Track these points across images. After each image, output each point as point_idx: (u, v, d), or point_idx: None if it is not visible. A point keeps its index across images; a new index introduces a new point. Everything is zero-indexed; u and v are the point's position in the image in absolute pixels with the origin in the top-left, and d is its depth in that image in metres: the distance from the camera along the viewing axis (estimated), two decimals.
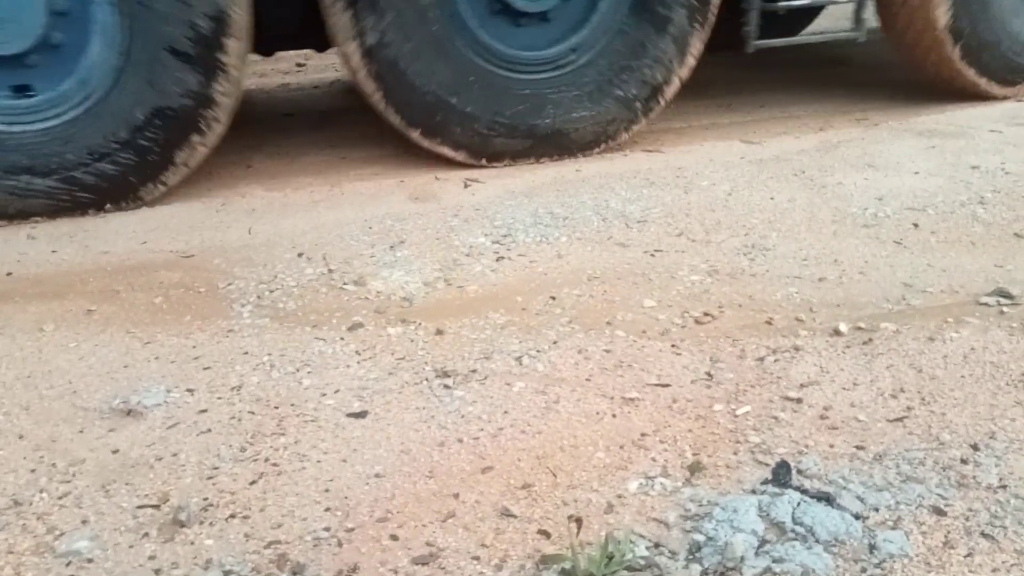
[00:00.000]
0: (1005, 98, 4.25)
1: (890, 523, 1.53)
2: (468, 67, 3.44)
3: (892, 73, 5.30)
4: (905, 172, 3.40)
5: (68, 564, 1.47)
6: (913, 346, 2.13)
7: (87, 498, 1.63)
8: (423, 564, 1.46)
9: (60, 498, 1.64)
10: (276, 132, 4.33)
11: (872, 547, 1.46)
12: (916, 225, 2.89)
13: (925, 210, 3.00)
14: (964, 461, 1.69)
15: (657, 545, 1.49)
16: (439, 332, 2.26)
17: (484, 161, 3.57)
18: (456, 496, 1.63)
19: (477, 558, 1.47)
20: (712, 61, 4.30)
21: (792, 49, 4.98)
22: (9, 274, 2.71)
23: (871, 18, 4.16)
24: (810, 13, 5.17)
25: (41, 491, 1.66)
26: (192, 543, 1.51)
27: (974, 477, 1.64)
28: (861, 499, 1.58)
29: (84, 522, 1.57)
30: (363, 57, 3.37)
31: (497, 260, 2.71)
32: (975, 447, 1.73)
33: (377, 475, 1.69)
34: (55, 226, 3.10)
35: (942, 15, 4.03)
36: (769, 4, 4.04)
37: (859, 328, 2.23)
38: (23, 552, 1.50)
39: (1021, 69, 4.27)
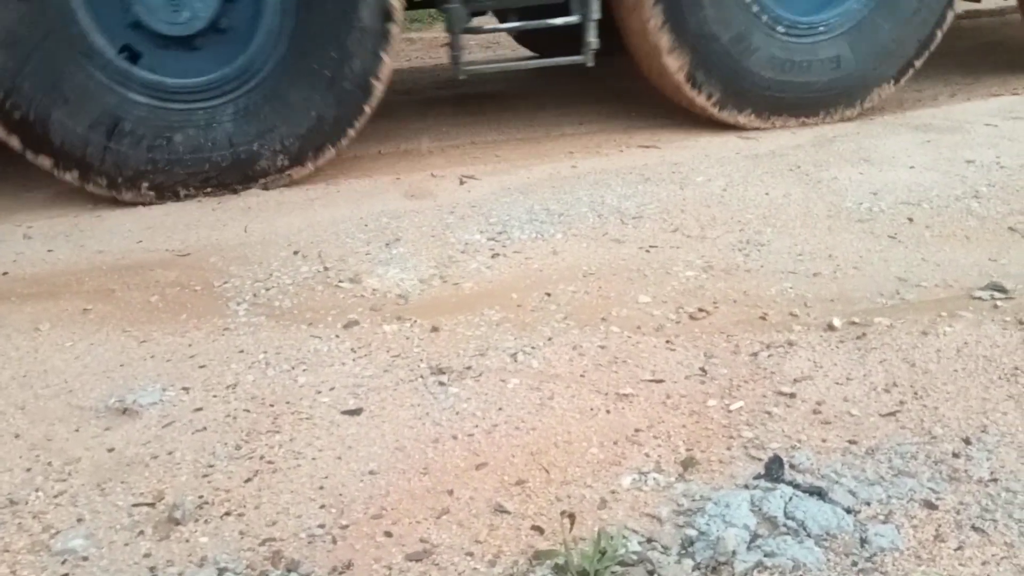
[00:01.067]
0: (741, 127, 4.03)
1: (881, 517, 1.53)
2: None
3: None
4: (900, 166, 3.40)
5: (64, 562, 1.47)
6: (906, 340, 2.14)
7: (82, 497, 1.64)
8: (417, 560, 1.47)
9: (56, 497, 1.64)
10: None
11: (863, 541, 1.47)
12: (911, 219, 2.89)
13: (920, 204, 3.00)
14: (956, 455, 1.70)
15: (650, 540, 1.50)
16: (434, 329, 2.27)
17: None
18: (450, 493, 1.63)
19: (471, 554, 1.48)
20: None
21: None
22: (5, 273, 2.72)
23: (594, 42, 3.78)
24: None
25: (37, 490, 1.66)
26: (187, 541, 1.52)
27: (966, 471, 1.65)
28: (853, 493, 1.58)
29: (80, 520, 1.58)
30: None
31: (492, 257, 2.72)
32: (967, 441, 1.74)
33: (372, 472, 1.70)
34: (51, 225, 3.11)
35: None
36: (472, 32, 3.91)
37: (853, 323, 2.24)
38: (19, 551, 1.50)
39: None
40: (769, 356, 2.10)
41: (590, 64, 3.81)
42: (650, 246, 2.76)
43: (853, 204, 3.04)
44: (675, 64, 3.83)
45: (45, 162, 3.21)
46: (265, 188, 3.40)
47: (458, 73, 3.76)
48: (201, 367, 2.10)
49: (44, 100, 3.13)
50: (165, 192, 3.31)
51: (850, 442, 1.77)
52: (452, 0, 3.58)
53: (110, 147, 3.22)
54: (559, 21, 3.80)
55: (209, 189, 3.36)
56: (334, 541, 1.51)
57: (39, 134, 3.17)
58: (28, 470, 1.73)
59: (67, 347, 2.22)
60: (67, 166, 3.22)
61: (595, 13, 3.71)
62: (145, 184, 3.29)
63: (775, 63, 3.90)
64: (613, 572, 1.39)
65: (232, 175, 3.37)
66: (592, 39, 3.76)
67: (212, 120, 3.31)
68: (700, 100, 3.93)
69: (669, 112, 4.45)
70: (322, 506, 1.60)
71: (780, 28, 3.89)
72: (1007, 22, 6.13)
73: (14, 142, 3.18)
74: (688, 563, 1.44)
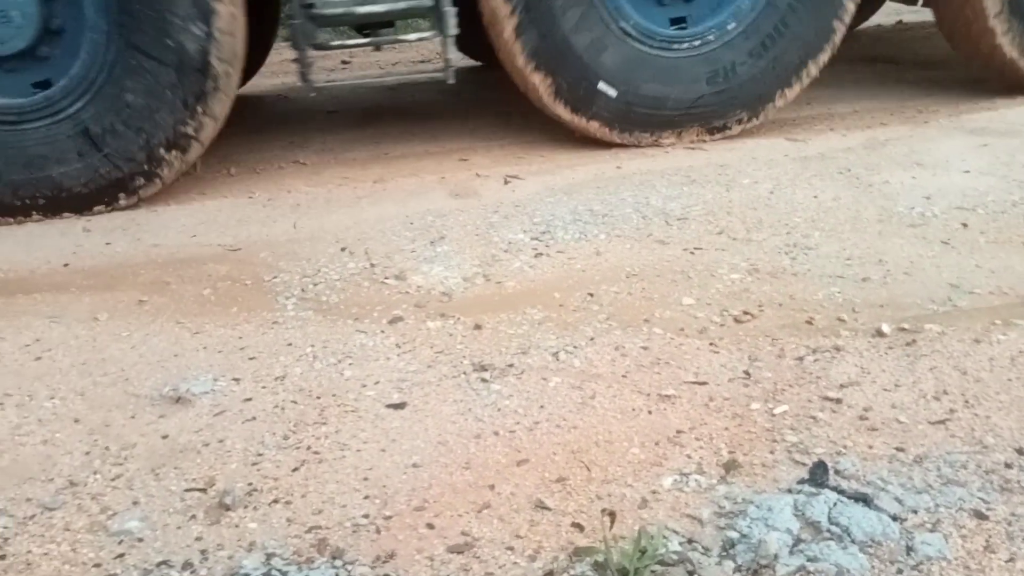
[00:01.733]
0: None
1: (929, 525, 1.51)
2: None
3: (943, 71, 5.18)
4: (954, 171, 3.33)
5: (120, 542, 1.53)
6: (958, 348, 2.09)
7: (138, 480, 1.70)
8: (458, 553, 1.49)
9: (113, 480, 1.71)
10: (320, 129, 4.42)
11: (909, 549, 1.44)
12: (965, 225, 2.83)
13: (975, 210, 2.93)
14: (1008, 465, 1.66)
15: (690, 541, 1.50)
16: (477, 327, 2.29)
17: None
18: (492, 487, 1.65)
19: (511, 548, 1.50)
20: None
21: (848, 47, 4.86)
22: (66, 265, 2.82)
23: (455, 58, 3.68)
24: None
25: (95, 472, 1.73)
26: (237, 526, 1.56)
27: (1018, 481, 1.61)
28: (899, 501, 1.56)
29: (135, 503, 1.63)
30: None
31: (536, 256, 2.73)
32: (1020, 451, 1.70)
33: (415, 465, 1.72)
34: (109, 219, 3.22)
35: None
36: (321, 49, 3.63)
37: (902, 329, 2.20)
38: (78, 530, 1.57)
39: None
40: (815, 361, 2.08)
41: (451, 81, 3.69)
42: (695, 248, 2.75)
43: (905, 208, 2.98)
44: (538, 77, 3.65)
45: None
46: None
47: (308, 91, 3.66)
48: (251, 359, 2.15)
49: None
50: None
51: (897, 449, 1.74)
52: (297, 16, 3.45)
53: None
54: (412, 37, 3.76)
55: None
56: (378, 531, 1.54)
57: None
58: (87, 453, 1.79)
59: (124, 337, 2.29)
60: None
61: (452, 29, 3.56)
62: None
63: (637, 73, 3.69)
64: (653, 571, 1.39)
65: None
66: (451, 55, 3.63)
67: None
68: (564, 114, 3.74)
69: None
70: (366, 497, 1.63)
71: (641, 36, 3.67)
72: None
73: None
74: (729, 565, 1.43)
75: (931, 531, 1.49)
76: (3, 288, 2.64)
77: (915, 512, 1.54)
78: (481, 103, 4.83)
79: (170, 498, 1.64)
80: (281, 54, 6.35)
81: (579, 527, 1.54)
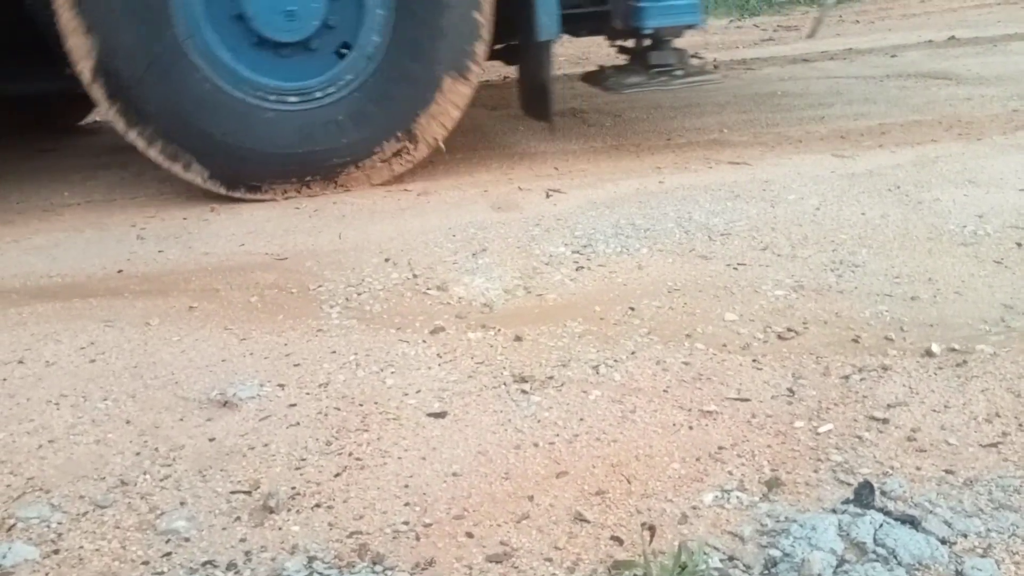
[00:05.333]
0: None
1: (979, 550, 1.47)
2: None
3: (996, 87, 5.07)
4: (1009, 188, 3.24)
5: (168, 541, 1.57)
6: (1011, 370, 2.04)
7: (185, 481, 1.74)
8: (497, 562, 1.49)
9: (161, 480, 1.75)
10: None
11: (959, 573, 1.41)
12: (1019, 244, 2.75)
13: None
14: None
15: (731, 558, 1.48)
16: (518, 338, 2.30)
17: None
18: (531, 498, 1.65)
19: (550, 560, 1.49)
20: (805, 73, 4.18)
21: (895, 63, 4.77)
22: (120, 271, 2.91)
23: None
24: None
25: (145, 473, 1.77)
26: (280, 529, 1.59)
27: None
28: (948, 524, 1.52)
29: (182, 503, 1.67)
30: None
31: (577, 270, 2.74)
32: None
33: (455, 474, 1.73)
34: (162, 227, 3.31)
35: None
36: None
37: (953, 349, 2.15)
38: (128, 528, 1.61)
39: None
40: (861, 380, 2.04)
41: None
42: (738, 264, 2.72)
43: (956, 227, 2.92)
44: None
45: None
46: None
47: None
48: (296, 365, 2.19)
49: None
50: None
51: (947, 472, 1.70)
52: None
53: None
54: None
55: None
56: (417, 538, 1.55)
57: None
58: (137, 454, 1.84)
59: (174, 341, 2.35)
60: None
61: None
62: None
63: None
64: None
65: None
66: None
67: None
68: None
69: (759, 130, 4.38)
70: (406, 504, 1.65)
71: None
72: None
73: None
74: None
75: (982, 556, 1.45)
76: (60, 293, 2.74)
77: (965, 536, 1.50)
78: (522, 116, 4.85)
79: (216, 499, 1.68)
80: None
81: (618, 540, 1.53)
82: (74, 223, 3.41)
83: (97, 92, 3.31)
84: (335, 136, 3.48)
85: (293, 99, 3.43)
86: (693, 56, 4.66)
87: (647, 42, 3.80)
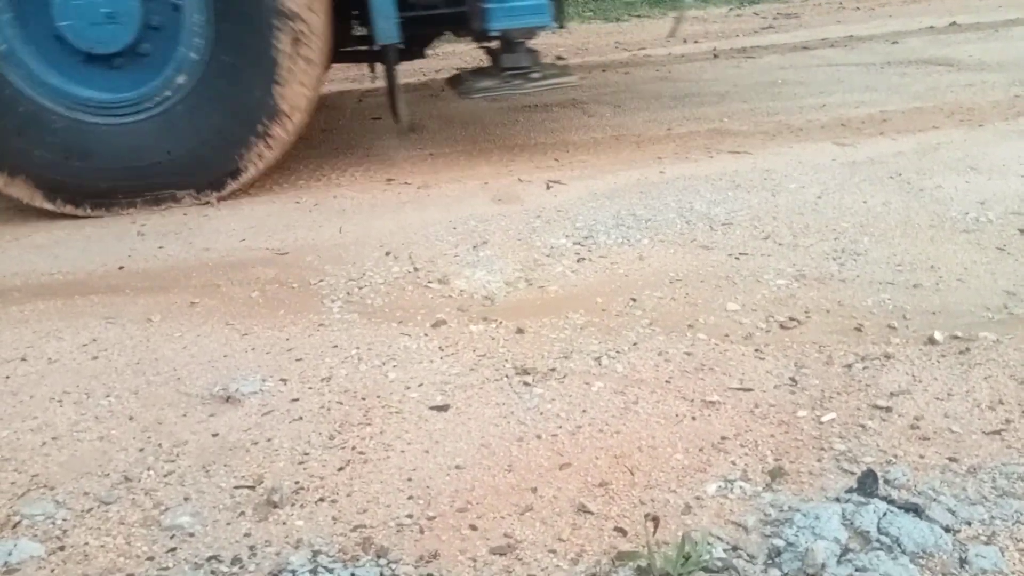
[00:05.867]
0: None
1: (983, 538, 1.47)
2: None
3: (997, 73, 5.05)
4: (1011, 175, 3.23)
5: (172, 537, 1.57)
6: (1014, 357, 2.03)
7: (189, 477, 1.74)
8: (501, 554, 1.49)
9: (165, 476, 1.75)
10: (365, 135, 4.49)
11: (963, 561, 1.41)
12: (1021, 231, 2.74)
13: None
14: None
15: (735, 548, 1.48)
16: (520, 331, 2.30)
17: None
18: (534, 490, 1.66)
19: (553, 551, 1.50)
20: (806, 61, 4.14)
21: (896, 49, 4.70)
22: (121, 268, 2.91)
23: None
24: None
25: (148, 469, 1.78)
26: (284, 523, 1.59)
27: None
28: (952, 512, 1.52)
29: (186, 499, 1.67)
30: None
31: (578, 261, 2.73)
32: None
33: (458, 467, 1.74)
34: (162, 223, 3.31)
35: None
36: None
37: (956, 337, 2.14)
38: (133, 524, 1.61)
39: None
40: (864, 368, 2.04)
41: None
42: (740, 253, 2.72)
43: (958, 214, 2.91)
44: None
45: None
46: None
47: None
48: (298, 360, 2.19)
49: None
50: None
51: (950, 459, 1.69)
52: None
53: None
54: None
55: None
56: (421, 531, 1.56)
57: None
58: (141, 450, 1.85)
59: (176, 338, 2.35)
60: None
61: None
62: None
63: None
64: None
65: None
66: None
67: None
68: None
69: (760, 119, 4.37)
70: (410, 497, 1.65)
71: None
72: None
73: None
74: (775, 573, 1.41)
75: (986, 544, 1.45)
76: (62, 290, 2.74)
77: (969, 524, 1.50)
78: (521, 108, 4.84)
79: (220, 495, 1.68)
80: None
81: (622, 531, 1.54)
82: (74, 220, 3.41)
83: None
84: (174, 144, 3.33)
85: (132, 110, 3.28)
86: (558, 59, 4.61)
87: (502, 44, 3.64)
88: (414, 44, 4.28)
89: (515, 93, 3.75)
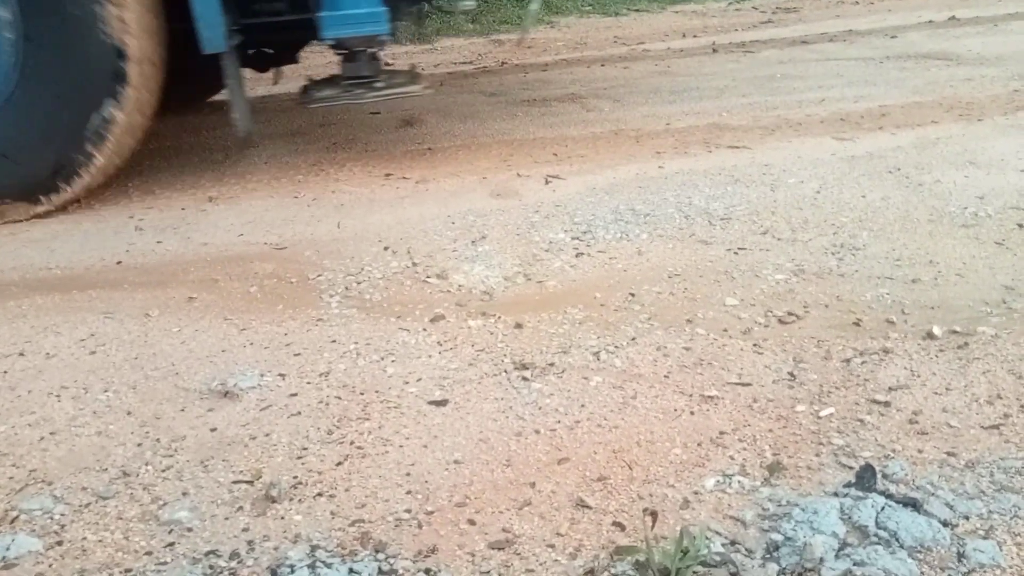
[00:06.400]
0: None
1: (981, 532, 1.47)
2: None
3: (997, 67, 5.04)
4: (1010, 170, 3.23)
5: (170, 532, 1.57)
6: (1013, 351, 2.03)
7: (187, 472, 1.74)
8: (499, 549, 1.49)
9: (163, 471, 1.75)
10: (363, 130, 4.48)
11: (961, 555, 1.41)
12: (1020, 225, 2.75)
13: None
14: None
15: (733, 542, 1.48)
16: (518, 326, 2.30)
17: None
18: (532, 485, 1.66)
19: (552, 546, 1.50)
20: (805, 55, 4.12)
21: (896, 44, 4.70)
22: (119, 263, 2.90)
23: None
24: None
25: (146, 464, 1.78)
26: (282, 518, 1.59)
27: None
28: (950, 506, 1.52)
29: (185, 494, 1.67)
30: None
31: (577, 256, 2.73)
32: None
33: (456, 461, 1.74)
34: (160, 218, 3.30)
35: None
36: None
37: (954, 332, 2.14)
38: (131, 519, 1.61)
39: None
40: (863, 363, 2.04)
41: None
42: (738, 248, 2.72)
43: (957, 208, 2.91)
44: None
45: None
46: None
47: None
48: (296, 355, 2.19)
49: None
50: None
51: (948, 454, 1.70)
52: None
53: None
54: None
55: None
56: (420, 526, 1.56)
57: None
58: (139, 445, 1.84)
59: (174, 332, 2.35)
60: None
61: None
62: None
63: None
64: (695, 572, 1.38)
65: None
66: None
67: None
68: None
69: (759, 113, 4.36)
70: (408, 492, 1.65)
71: None
72: None
73: None
74: (773, 567, 1.41)
75: (984, 538, 1.45)
76: (60, 285, 2.73)
77: (967, 518, 1.50)
78: (519, 102, 4.84)
79: (218, 490, 1.68)
80: (325, 56, 6.45)
81: (620, 526, 1.54)
82: (72, 215, 3.40)
83: None
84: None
85: None
86: (412, 66, 4.53)
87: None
88: (283, 50, 4.23)
89: (355, 103, 3.65)
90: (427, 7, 3.80)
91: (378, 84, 3.57)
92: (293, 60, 4.50)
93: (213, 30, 3.18)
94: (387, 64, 4.01)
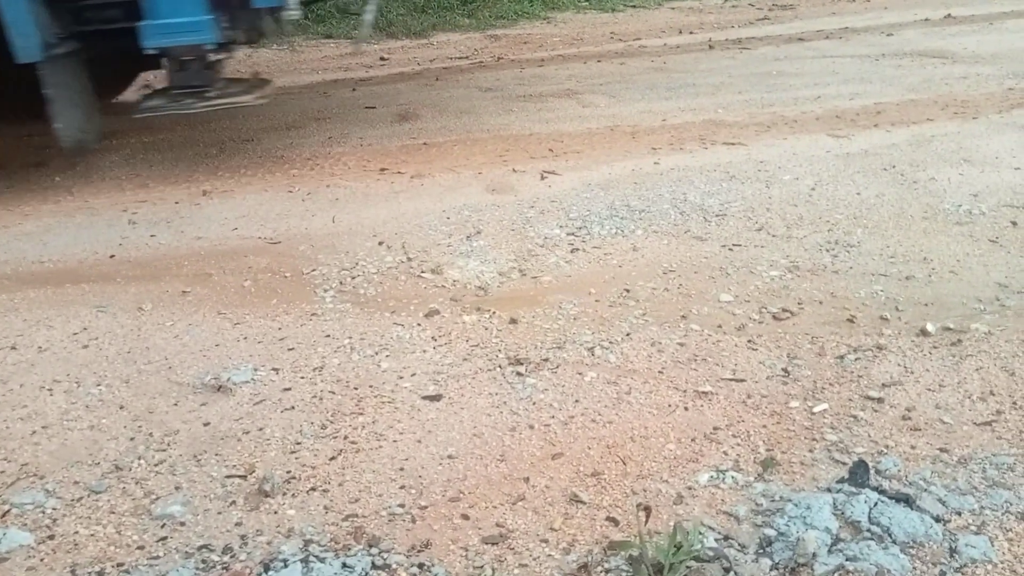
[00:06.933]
0: None
1: (973, 528, 1.47)
2: None
3: (992, 66, 5.05)
4: (1004, 167, 3.24)
5: (163, 526, 1.56)
6: (1006, 348, 2.04)
7: (180, 466, 1.74)
8: (493, 544, 1.49)
9: (156, 465, 1.74)
10: (358, 124, 4.46)
11: (953, 551, 1.41)
12: (1014, 223, 2.75)
13: None
14: None
15: (727, 538, 1.48)
16: (513, 321, 2.29)
17: None
18: (526, 480, 1.66)
19: (545, 541, 1.50)
20: (801, 52, 4.11)
21: (891, 41, 4.68)
22: (112, 256, 2.89)
23: None
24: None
25: (139, 458, 1.77)
26: (275, 513, 1.59)
27: None
28: (943, 502, 1.53)
29: (177, 488, 1.67)
30: None
31: (572, 252, 2.73)
32: None
33: (450, 456, 1.73)
34: (154, 212, 3.29)
35: None
36: None
37: (948, 329, 2.15)
38: (123, 513, 1.61)
39: None
40: (856, 359, 2.04)
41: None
42: (733, 244, 2.72)
43: (951, 206, 2.91)
44: None
45: None
46: None
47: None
48: (290, 350, 2.18)
49: None
50: None
51: (941, 450, 1.70)
52: None
53: None
54: None
55: None
56: (413, 521, 1.55)
57: None
58: (131, 439, 1.84)
59: (167, 326, 2.34)
60: None
61: None
62: None
63: None
64: (688, 567, 1.38)
65: None
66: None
67: None
68: None
69: (755, 110, 4.36)
70: (402, 487, 1.65)
71: None
72: None
73: None
74: (766, 563, 1.41)
75: (976, 533, 1.46)
76: (52, 278, 2.72)
77: (959, 514, 1.51)
78: (515, 97, 4.83)
79: (211, 484, 1.68)
80: (321, 51, 6.43)
81: (614, 521, 1.54)
82: (65, 208, 3.39)
83: None
84: None
85: None
86: (256, 74, 4.40)
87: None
88: (126, 56, 3.93)
89: (182, 113, 3.50)
90: (272, 17, 3.58)
91: (210, 94, 3.43)
92: (147, 68, 4.27)
93: (26, 39, 3.06)
94: (248, 72, 3.78)
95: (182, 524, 1.57)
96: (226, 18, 3.22)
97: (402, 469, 1.70)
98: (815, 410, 1.85)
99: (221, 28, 3.18)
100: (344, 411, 1.91)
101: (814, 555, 1.40)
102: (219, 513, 1.60)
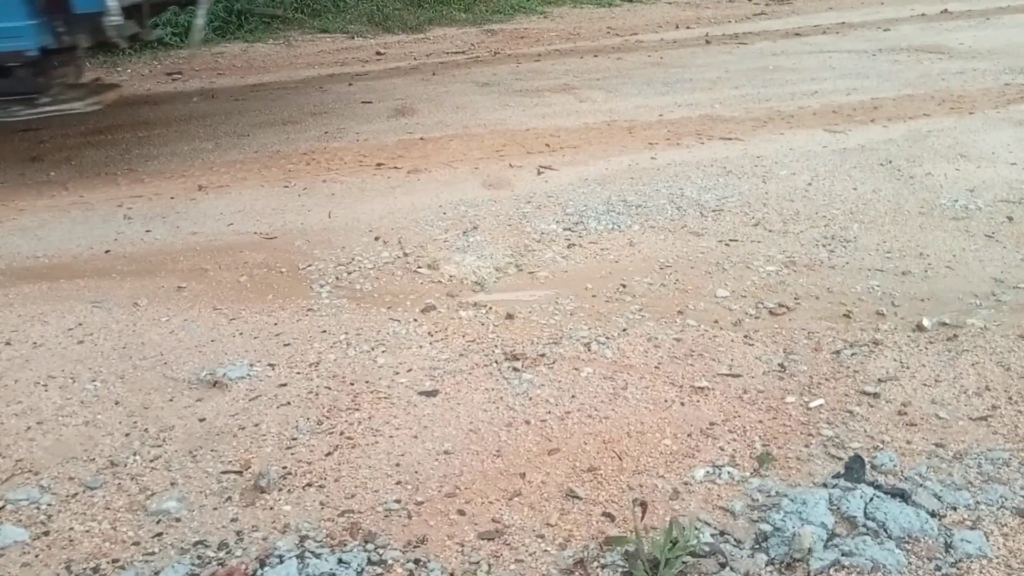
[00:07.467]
0: None
1: (969, 523, 1.48)
2: None
3: (988, 61, 5.05)
4: (1000, 163, 3.24)
5: (158, 522, 1.56)
6: (1002, 343, 2.04)
7: (176, 462, 1.73)
8: (489, 539, 1.49)
9: (152, 461, 1.74)
10: (355, 119, 4.45)
11: (948, 546, 1.42)
12: (1010, 218, 2.75)
13: (1021, 203, 2.86)
14: None
15: (723, 533, 1.48)
16: (509, 316, 2.29)
17: None
18: (522, 476, 1.65)
19: (542, 536, 1.50)
20: (798, 48, 4.11)
21: (888, 36, 4.68)
22: (107, 251, 2.88)
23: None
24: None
25: (135, 454, 1.76)
26: (271, 508, 1.59)
27: None
28: (938, 497, 1.53)
29: (173, 484, 1.66)
30: None
31: (568, 247, 2.72)
32: None
33: (446, 452, 1.73)
34: (149, 207, 3.27)
35: None
36: None
37: (944, 324, 2.15)
38: (118, 509, 1.60)
39: None
40: (852, 355, 2.04)
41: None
42: (730, 240, 2.72)
43: (948, 201, 2.91)
44: None
45: None
46: None
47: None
48: (286, 345, 2.18)
49: None
50: None
51: (937, 445, 1.70)
52: None
53: None
54: None
55: None
56: (409, 516, 1.55)
57: None
58: (127, 435, 1.83)
59: (163, 322, 2.33)
60: None
61: None
62: None
63: None
64: (684, 562, 1.38)
65: None
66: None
67: None
68: None
69: (752, 105, 4.36)
70: (398, 482, 1.64)
71: None
72: None
73: None
74: (762, 558, 1.41)
75: (971, 528, 1.46)
76: (48, 273, 2.71)
77: (955, 509, 1.51)
78: (512, 92, 4.82)
79: (207, 480, 1.67)
80: (317, 45, 6.40)
81: (610, 517, 1.54)
82: (60, 203, 3.37)
83: None
84: None
85: None
86: (96, 80, 4.24)
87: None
88: None
89: (8, 120, 3.42)
90: (92, 24, 3.46)
91: (42, 101, 3.35)
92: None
93: None
94: (88, 79, 3.62)
95: (178, 520, 1.56)
96: (60, 23, 3.10)
97: (398, 465, 1.70)
98: (811, 405, 1.85)
99: (54, 33, 3.07)
100: (340, 407, 1.90)
101: (810, 550, 1.40)
102: (215, 509, 1.59)
